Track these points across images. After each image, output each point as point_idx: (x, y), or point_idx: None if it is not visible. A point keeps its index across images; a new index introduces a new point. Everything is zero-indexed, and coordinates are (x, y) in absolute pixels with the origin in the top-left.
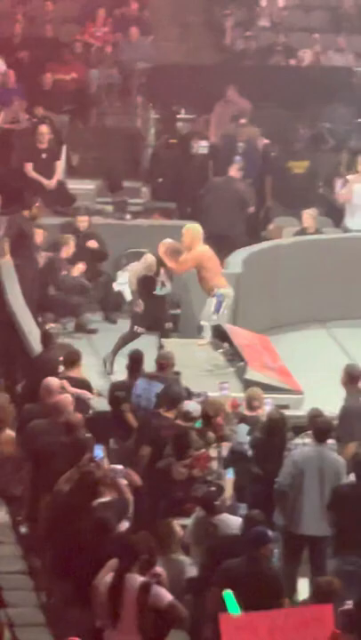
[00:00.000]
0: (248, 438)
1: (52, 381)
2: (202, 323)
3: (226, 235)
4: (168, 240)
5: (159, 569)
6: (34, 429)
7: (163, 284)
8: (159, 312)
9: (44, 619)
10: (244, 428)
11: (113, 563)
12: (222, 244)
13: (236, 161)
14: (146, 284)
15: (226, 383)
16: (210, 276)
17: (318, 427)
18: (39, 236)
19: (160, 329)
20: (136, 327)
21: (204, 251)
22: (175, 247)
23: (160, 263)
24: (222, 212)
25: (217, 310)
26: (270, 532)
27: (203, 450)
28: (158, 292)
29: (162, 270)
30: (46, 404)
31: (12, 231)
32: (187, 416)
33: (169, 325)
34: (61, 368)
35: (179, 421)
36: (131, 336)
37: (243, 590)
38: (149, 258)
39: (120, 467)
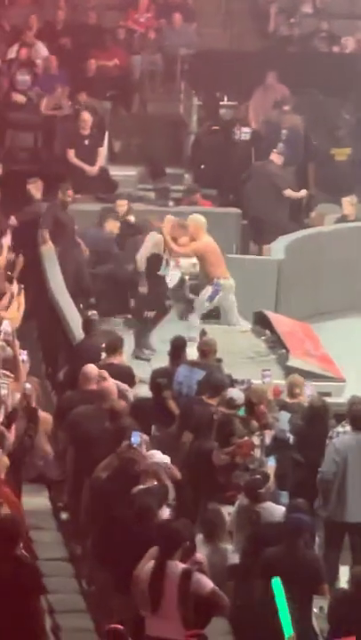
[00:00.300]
0: (289, 425)
1: (91, 369)
2: (194, 306)
3: (263, 219)
4: (172, 217)
5: (200, 556)
6: (78, 416)
7: (167, 263)
8: (161, 292)
9: (84, 605)
10: (285, 415)
11: (154, 550)
12: (261, 229)
13: (279, 147)
14: (153, 263)
15: (268, 370)
16: (210, 267)
17: (355, 414)
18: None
19: (162, 309)
20: (146, 313)
21: (207, 242)
22: (180, 223)
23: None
24: (258, 195)
25: (211, 299)
26: (310, 520)
27: (246, 437)
28: (162, 271)
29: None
30: (88, 391)
31: (48, 220)
32: (230, 403)
33: (170, 304)
34: (104, 355)
35: (222, 409)
36: (144, 324)
37: (283, 578)
38: (157, 236)
39: (161, 457)
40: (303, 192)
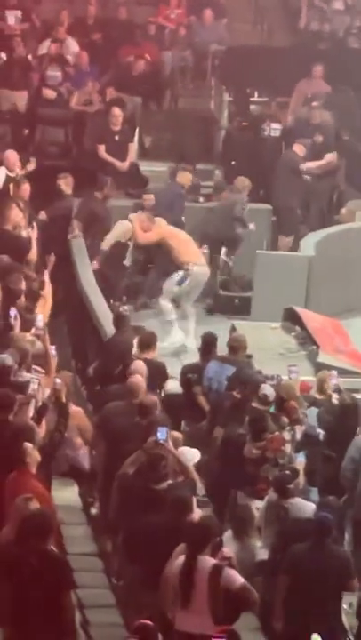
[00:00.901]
0: (318, 421)
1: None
2: (164, 288)
3: (285, 206)
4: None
5: (227, 551)
6: (108, 411)
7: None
8: (119, 278)
9: (114, 600)
10: (314, 411)
11: (182, 546)
12: (283, 219)
13: (301, 141)
14: (118, 251)
15: (295, 366)
16: (175, 253)
17: None
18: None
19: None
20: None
21: (168, 229)
22: (150, 218)
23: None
24: (279, 182)
25: (180, 283)
26: (339, 517)
27: (277, 432)
28: (126, 261)
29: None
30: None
31: (84, 213)
32: (263, 399)
33: (124, 299)
34: (135, 350)
35: (255, 404)
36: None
37: (311, 574)
38: (127, 224)
39: (192, 453)
40: (325, 160)
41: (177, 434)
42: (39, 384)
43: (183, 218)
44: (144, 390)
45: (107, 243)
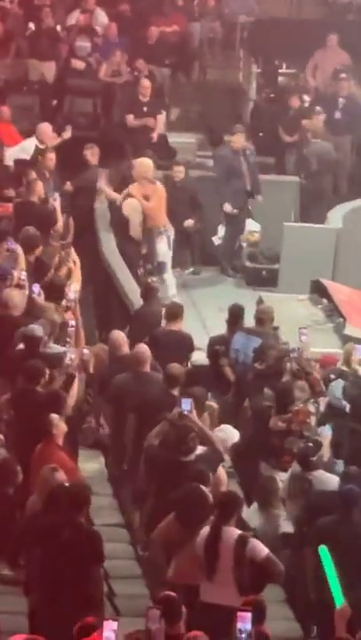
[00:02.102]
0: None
1: (118, 334)
2: (161, 260)
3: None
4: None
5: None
6: (123, 385)
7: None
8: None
9: (140, 571)
10: (340, 383)
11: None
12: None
13: (316, 111)
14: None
15: (305, 329)
16: (160, 213)
17: None
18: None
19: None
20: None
21: (160, 187)
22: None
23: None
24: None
25: (169, 247)
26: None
27: (301, 405)
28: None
29: None
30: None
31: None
32: (296, 373)
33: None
34: (163, 322)
35: (287, 377)
36: None
37: (337, 546)
38: (132, 201)
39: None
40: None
41: (213, 404)
42: (72, 357)
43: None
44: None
45: (136, 232)
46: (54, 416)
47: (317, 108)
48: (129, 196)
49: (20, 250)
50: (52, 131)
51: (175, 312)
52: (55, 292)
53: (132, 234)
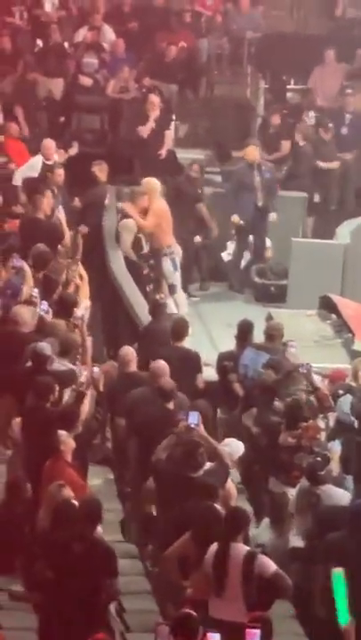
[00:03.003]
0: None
1: (128, 350)
2: (170, 282)
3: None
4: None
5: None
6: (136, 399)
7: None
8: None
9: (149, 587)
10: (349, 398)
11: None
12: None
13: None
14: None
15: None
16: (165, 235)
17: None
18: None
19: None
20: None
21: (161, 207)
22: (137, 191)
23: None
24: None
25: (176, 268)
26: None
27: (311, 421)
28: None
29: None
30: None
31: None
32: (312, 386)
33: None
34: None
35: (301, 394)
36: None
37: (347, 562)
38: (128, 222)
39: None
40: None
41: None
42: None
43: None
44: (167, 375)
45: (126, 249)
46: (63, 433)
47: (330, 124)
48: (123, 214)
49: (26, 266)
50: (56, 146)
51: (181, 328)
52: (64, 309)
53: (124, 251)
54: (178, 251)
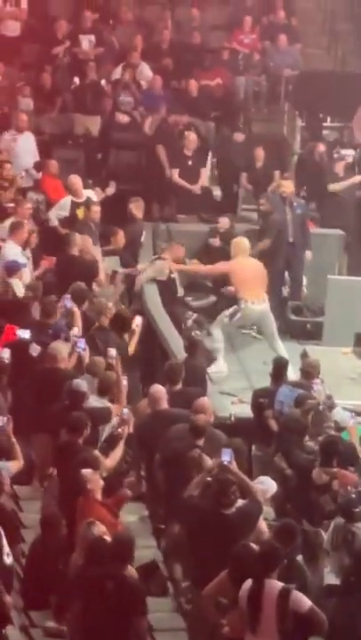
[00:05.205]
0: None
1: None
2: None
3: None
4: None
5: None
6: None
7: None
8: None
9: (183, 624)
10: None
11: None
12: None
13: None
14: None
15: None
16: (236, 286)
17: None
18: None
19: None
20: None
21: (233, 264)
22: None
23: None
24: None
25: (231, 317)
26: None
27: (353, 468)
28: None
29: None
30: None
31: None
32: (336, 425)
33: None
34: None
35: (331, 431)
36: None
37: None
38: (159, 262)
39: (270, 483)
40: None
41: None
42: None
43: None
44: (210, 412)
45: (137, 285)
46: (86, 471)
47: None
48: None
49: (76, 308)
50: (92, 184)
51: (176, 372)
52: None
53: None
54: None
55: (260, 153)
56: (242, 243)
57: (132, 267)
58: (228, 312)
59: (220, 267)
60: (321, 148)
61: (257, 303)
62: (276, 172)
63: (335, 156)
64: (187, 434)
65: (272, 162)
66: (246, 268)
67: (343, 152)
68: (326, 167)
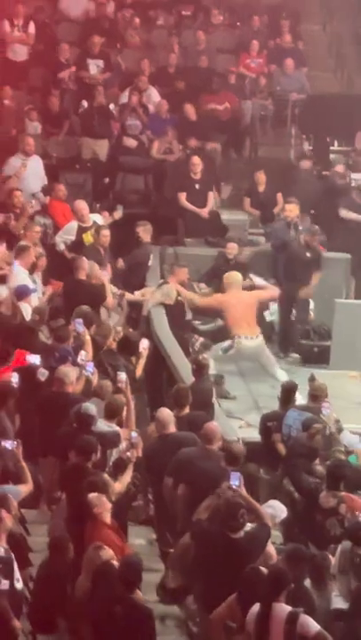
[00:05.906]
0: None
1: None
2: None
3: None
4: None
5: None
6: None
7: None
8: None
9: None
10: None
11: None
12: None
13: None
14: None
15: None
16: (228, 322)
17: None
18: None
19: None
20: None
21: (229, 298)
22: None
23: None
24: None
25: (225, 350)
26: None
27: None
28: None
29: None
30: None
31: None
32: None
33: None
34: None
35: (339, 455)
36: None
37: None
38: (167, 286)
39: (279, 506)
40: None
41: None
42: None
43: None
44: (220, 437)
45: (145, 308)
46: (93, 495)
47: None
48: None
49: (87, 333)
50: (100, 208)
51: (183, 397)
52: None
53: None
54: (243, 346)
55: (261, 177)
56: (233, 277)
57: (129, 291)
58: (222, 345)
59: (213, 301)
60: (331, 171)
61: (250, 339)
62: (279, 195)
63: (353, 184)
64: (208, 454)
65: (276, 186)
66: (238, 304)
67: (354, 175)
68: (339, 192)
